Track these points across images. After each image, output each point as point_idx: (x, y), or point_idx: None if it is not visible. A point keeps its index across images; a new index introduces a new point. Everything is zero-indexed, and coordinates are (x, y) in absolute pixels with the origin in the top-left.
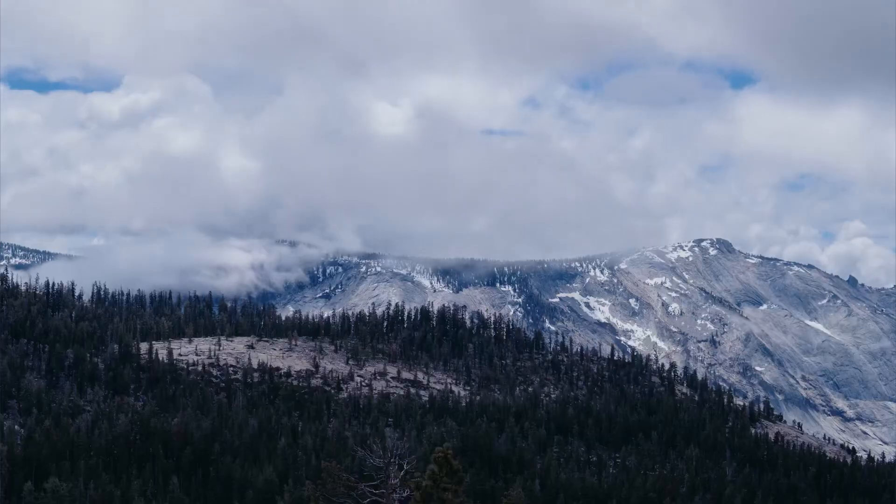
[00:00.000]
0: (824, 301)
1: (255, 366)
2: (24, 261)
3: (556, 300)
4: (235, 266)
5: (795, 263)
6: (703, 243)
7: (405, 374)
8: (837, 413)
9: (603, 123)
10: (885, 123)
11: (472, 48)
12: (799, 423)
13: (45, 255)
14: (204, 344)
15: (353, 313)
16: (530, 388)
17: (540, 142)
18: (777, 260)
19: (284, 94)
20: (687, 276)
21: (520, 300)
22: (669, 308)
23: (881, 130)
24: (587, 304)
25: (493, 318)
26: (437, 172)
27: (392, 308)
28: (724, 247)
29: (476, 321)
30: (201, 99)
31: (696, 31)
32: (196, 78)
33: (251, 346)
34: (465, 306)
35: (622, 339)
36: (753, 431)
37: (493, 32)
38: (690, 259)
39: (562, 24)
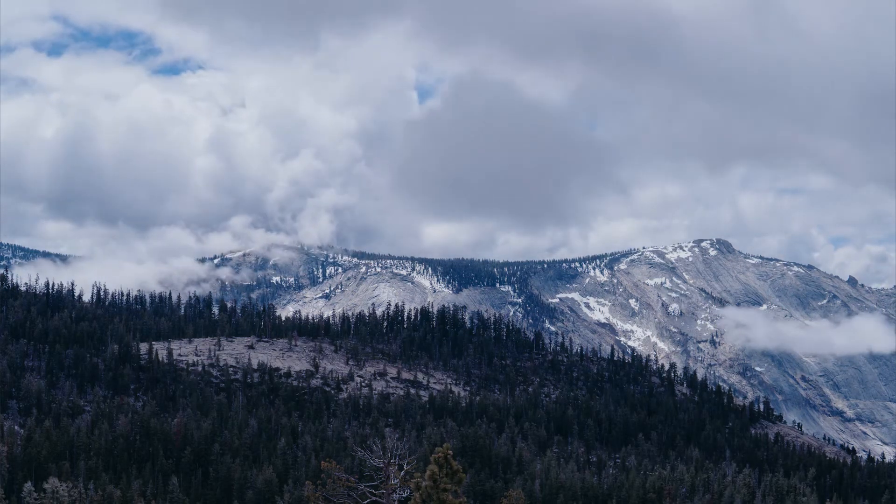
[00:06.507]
0: (824, 301)
1: (255, 366)
2: None
3: (556, 300)
4: None
5: (795, 263)
6: (703, 243)
7: (405, 375)
8: (837, 413)
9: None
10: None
11: None
12: (799, 424)
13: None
14: (204, 344)
15: (353, 313)
16: (530, 388)
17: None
18: (777, 260)
19: None
20: (687, 277)
21: (520, 300)
22: (669, 308)
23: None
24: (587, 305)
25: (493, 319)
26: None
27: (392, 308)
28: (723, 247)
29: (476, 321)
30: None
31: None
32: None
33: (251, 347)
34: (465, 306)
35: (622, 339)
36: (753, 431)
37: None
38: (690, 259)
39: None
